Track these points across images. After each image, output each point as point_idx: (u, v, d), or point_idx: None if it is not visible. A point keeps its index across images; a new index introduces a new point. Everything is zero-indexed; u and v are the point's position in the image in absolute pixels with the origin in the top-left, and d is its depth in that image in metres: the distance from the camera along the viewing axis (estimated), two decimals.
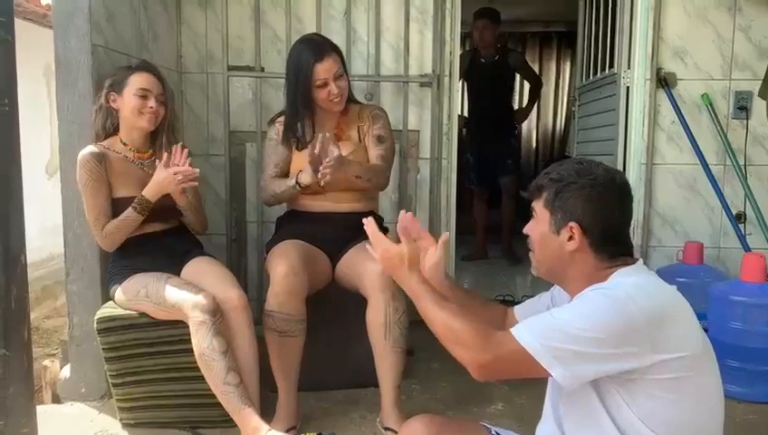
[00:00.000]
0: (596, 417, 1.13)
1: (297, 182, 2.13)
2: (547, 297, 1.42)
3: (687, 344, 1.10)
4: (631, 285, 1.12)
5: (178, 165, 2.01)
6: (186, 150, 2.04)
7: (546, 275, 1.27)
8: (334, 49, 2.19)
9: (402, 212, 1.50)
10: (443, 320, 1.17)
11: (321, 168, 1.99)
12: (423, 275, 1.28)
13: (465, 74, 4.24)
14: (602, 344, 1.05)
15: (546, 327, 1.09)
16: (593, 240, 1.18)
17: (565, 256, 1.20)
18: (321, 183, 2.02)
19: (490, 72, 4.24)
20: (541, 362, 1.06)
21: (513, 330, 1.11)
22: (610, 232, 1.19)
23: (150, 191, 1.99)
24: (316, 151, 2.02)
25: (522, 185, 4.64)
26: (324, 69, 2.12)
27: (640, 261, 1.21)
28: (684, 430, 1.11)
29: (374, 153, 2.25)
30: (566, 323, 1.07)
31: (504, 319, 1.46)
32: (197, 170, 2.02)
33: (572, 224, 1.18)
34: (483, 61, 4.24)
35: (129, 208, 1.99)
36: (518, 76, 4.73)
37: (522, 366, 1.09)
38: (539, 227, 1.23)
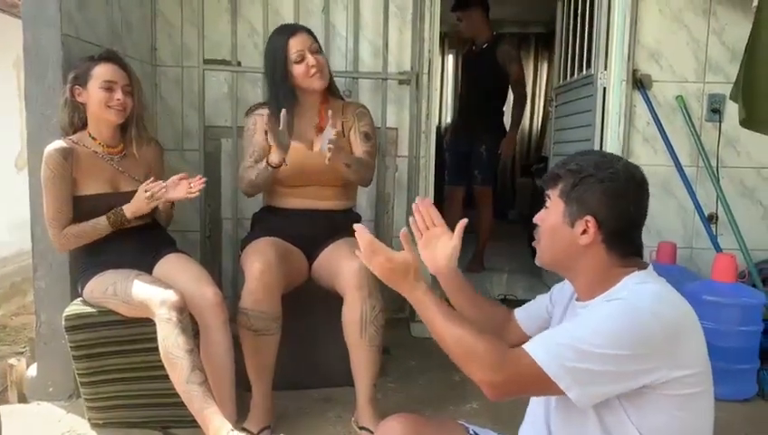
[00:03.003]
0: (588, 429, 1.10)
1: (268, 163, 2.07)
2: (546, 298, 1.39)
3: (700, 360, 1.09)
4: (649, 295, 1.08)
5: (192, 186, 2.00)
6: (203, 180, 2.03)
7: (551, 266, 1.23)
8: (306, 30, 2.19)
9: (418, 198, 1.41)
10: (453, 334, 1.09)
11: (327, 144, 1.92)
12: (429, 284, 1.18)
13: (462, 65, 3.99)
14: (621, 362, 1.01)
15: (562, 345, 1.03)
16: (607, 236, 1.14)
17: (576, 250, 1.16)
18: (327, 160, 1.94)
19: (475, 61, 4.00)
20: (558, 384, 1.02)
21: (527, 348, 1.05)
22: (625, 229, 1.16)
23: (130, 209, 1.97)
24: (280, 128, 1.97)
25: (497, 195, 4.48)
26: (298, 41, 2.11)
27: (651, 266, 1.17)
28: None
29: (361, 150, 2.23)
30: (583, 340, 1.02)
31: (508, 321, 1.42)
32: (164, 184, 1.97)
33: (588, 217, 1.13)
34: (474, 48, 4.03)
35: (103, 217, 1.95)
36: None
37: (536, 386, 1.05)
38: (551, 217, 1.18)
